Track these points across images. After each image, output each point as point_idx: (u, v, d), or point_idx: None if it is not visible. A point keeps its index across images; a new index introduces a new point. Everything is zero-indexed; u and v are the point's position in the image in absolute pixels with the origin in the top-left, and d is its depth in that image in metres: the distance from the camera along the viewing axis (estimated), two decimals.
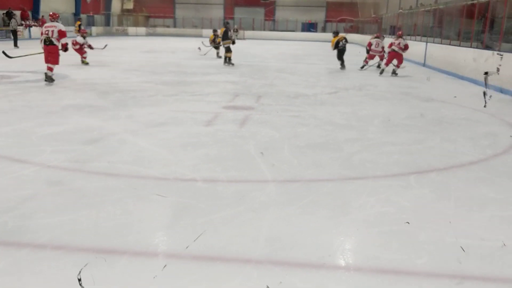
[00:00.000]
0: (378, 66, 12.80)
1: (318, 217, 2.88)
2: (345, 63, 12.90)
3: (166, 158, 4.08)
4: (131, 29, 36.97)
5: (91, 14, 33.61)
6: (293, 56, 18.50)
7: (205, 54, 16.25)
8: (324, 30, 38.99)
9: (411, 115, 6.41)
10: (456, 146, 4.75)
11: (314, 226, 2.75)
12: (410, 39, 15.61)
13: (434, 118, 6.25)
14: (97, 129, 5.01)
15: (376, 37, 12.97)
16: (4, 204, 2.94)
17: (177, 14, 40.72)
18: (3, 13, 22.60)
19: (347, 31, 36.74)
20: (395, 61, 11.64)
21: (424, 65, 14.41)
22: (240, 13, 39.49)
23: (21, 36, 21.64)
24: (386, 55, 12.22)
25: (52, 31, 8.25)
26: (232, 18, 38.53)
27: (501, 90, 8.66)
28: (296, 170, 3.82)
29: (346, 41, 12.76)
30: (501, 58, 8.73)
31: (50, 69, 8.37)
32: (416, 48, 14.64)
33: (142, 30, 37.28)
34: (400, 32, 12.19)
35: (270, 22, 39.92)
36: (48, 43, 8.26)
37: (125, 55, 16.02)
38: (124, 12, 40.15)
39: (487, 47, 10.39)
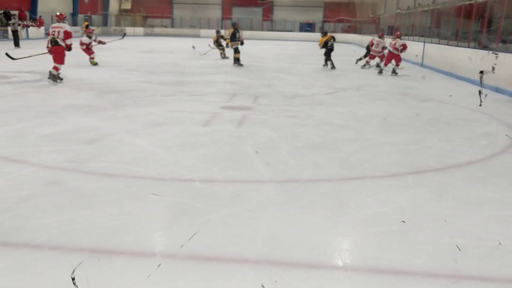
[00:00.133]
0: (378, 66, 12.87)
1: (316, 217, 2.88)
2: (344, 63, 12.96)
3: (164, 158, 4.07)
4: (129, 29, 36.85)
5: (89, 14, 33.54)
6: (291, 56, 18.51)
7: (204, 54, 16.24)
8: (322, 30, 39.02)
9: (409, 115, 6.42)
10: (454, 146, 4.76)
11: (312, 226, 2.75)
12: (408, 39, 15.63)
13: (432, 118, 6.26)
14: (95, 129, 5.00)
15: (379, 37, 13.05)
16: (1, 204, 2.93)
17: (175, 14, 40.68)
18: (1, 13, 22.54)
19: (345, 31, 36.81)
20: (394, 61, 11.70)
21: (421, 65, 14.43)
22: (238, 13, 39.46)
23: (20, 36, 21.59)
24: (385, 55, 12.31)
25: (58, 31, 8.34)
26: (230, 18, 38.49)
27: (497, 90, 8.67)
28: (294, 170, 3.82)
29: (334, 40, 12.89)
30: (496, 57, 8.75)
31: (56, 68, 8.45)
32: (414, 48, 14.67)
33: (140, 30, 37.22)
34: (398, 33, 12.23)
35: (268, 22, 39.91)
36: (53, 43, 8.34)
37: (123, 55, 16.00)
38: (122, 12, 40.09)
39: (485, 47, 10.41)
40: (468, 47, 11.40)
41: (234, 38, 12.90)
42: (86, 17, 28.97)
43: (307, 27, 39.29)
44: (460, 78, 10.99)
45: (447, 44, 12.88)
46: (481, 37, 11.06)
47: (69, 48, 8.48)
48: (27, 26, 24.29)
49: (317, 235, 2.63)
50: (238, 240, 2.53)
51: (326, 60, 13.09)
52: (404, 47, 11.48)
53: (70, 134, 4.76)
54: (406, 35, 16.93)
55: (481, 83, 8.33)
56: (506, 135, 5.20)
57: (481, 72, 8.64)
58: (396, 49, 11.47)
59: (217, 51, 15.87)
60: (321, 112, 6.47)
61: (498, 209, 3.13)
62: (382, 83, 10.31)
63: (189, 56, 16.52)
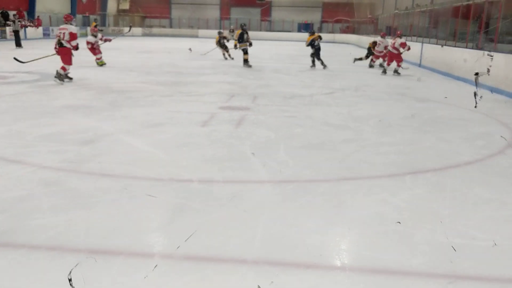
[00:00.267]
0: (381, 66, 13.00)
1: (314, 218, 2.88)
2: (342, 63, 12.99)
3: (161, 159, 4.07)
4: (127, 30, 36.83)
5: (87, 15, 33.49)
6: (289, 57, 18.52)
7: (205, 54, 16.22)
8: (320, 30, 39.04)
9: (407, 115, 6.43)
10: (452, 146, 4.77)
11: (310, 226, 2.76)
12: (406, 40, 15.65)
13: (429, 118, 6.27)
14: (92, 130, 4.99)
15: (381, 37, 13.14)
16: None
17: (173, 14, 40.65)
18: None
19: (343, 31, 36.87)
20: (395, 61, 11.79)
21: (420, 65, 14.46)
22: (236, 13, 39.47)
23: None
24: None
25: (64, 33, 8.50)
26: (228, 19, 38.53)
27: (492, 90, 8.68)
28: (292, 170, 3.83)
29: (321, 38, 12.99)
30: (491, 59, 8.77)
31: (64, 68, 8.58)
32: (412, 48, 14.68)
33: (138, 30, 37.17)
34: (399, 32, 12.31)
35: (266, 22, 39.92)
36: (60, 45, 8.51)
37: (121, 56, 15.98)
38: (120, 12, 40.04)
39: (482, 48, 10.44)
40: (466, 47, 11.42)
41: (242, 39, 12.82)
42: (95, 18, 29.15)
43: (305, 27, 39.33)
44: (458, 78, 11.02)
45: (445, 45, 12.91)
46: (479, 37, 11.08)
47: (75, 48, 8.60)
48: (25, 26, 24.23)
49: (315, 236, 2.64)
50: (235, 241, 2.53)
51: (313, 61, 13.13)
52: (403, 45, 11.48)
53: (68, 135, 4.76)
54: (404, 36, 16.95)
55: (476, 85, 8.35)
56: (501, 136, 5.21)
57: (476, 74, 8.66)
58: (396, 48, 11.48)
59: (218, 52, 15.84)
60: (319, 113, 6.47)
61: (495, 209, 3.14)
62: (380, 83, 10.33)
63: (187, 56, 16.52)
